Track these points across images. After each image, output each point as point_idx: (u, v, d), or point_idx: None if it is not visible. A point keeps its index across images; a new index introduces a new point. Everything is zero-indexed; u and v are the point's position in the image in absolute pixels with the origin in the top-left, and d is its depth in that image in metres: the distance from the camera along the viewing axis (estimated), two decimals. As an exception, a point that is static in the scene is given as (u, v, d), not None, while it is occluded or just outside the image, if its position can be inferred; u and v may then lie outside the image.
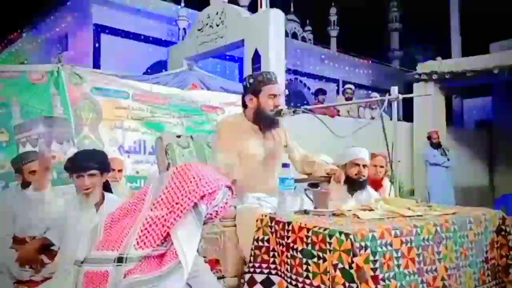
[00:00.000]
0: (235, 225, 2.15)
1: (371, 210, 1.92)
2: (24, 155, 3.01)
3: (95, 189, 2.31)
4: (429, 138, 7.03)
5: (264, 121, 2.39)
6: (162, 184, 1.84)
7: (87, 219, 2.24)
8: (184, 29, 9.95)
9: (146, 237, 1.75)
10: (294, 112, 2.46)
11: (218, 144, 2.38)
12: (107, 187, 2.48)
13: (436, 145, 6.99)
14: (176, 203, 1.76)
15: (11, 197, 2.91)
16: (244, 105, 2.45)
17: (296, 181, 2.33)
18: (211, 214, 1.83)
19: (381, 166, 3.40)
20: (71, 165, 2.33)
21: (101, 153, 2.50)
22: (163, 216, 1.76)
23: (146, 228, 1.76)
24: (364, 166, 3.01)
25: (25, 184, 2.87)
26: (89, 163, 2.30)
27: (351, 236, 1.46)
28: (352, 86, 8.15)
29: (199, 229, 1.79)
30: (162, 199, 1.80)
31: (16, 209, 2.81)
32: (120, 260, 1.73)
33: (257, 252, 1.82)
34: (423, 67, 7.92)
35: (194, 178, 1.79)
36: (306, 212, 2.00)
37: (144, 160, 4.80)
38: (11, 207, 2.82)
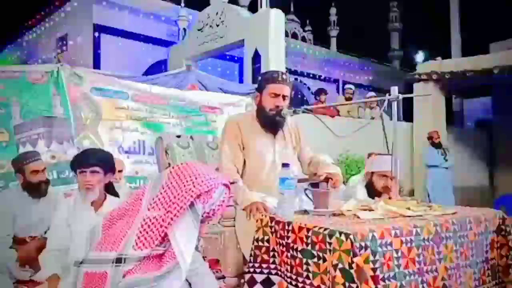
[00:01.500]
0: (235, 225, 2.14)
1: (371, 210, 1.92)
2: (24, 155, 3.00)
3: (96, 187, 2.29)
4: (429, 138, 7.02)
5: (264, 119, 2.35)
6: (159, 184, 1.83)
7: (86, 218, 2.22)
8: (184, 29, 9.97)
9: (145, 238, 1.75)
10: (294, 112, 2.44)
11: (222, 141, 2.36)
12: (111, 190, 2.46)
13: (437, 146, 6.99)
14: (173, 203, 1.75)
15: (11, 197, 2.91)
16: None
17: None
18: (208, 213, 1.81)
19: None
20: (76, 161, 2.32)
21: (107, 153, 2.48)
22: (160, 216, 1.75)
23: (144, 229, 1.76)
24: (392, 179, 2.60)
25: (26, 184, 2.87)
26: (92, 160, 2.28)
27: (351, 236, 1.46)
28: (352, 86, 8.14)
29: (196, 229, 1.78)
30: (159, 199, 1.79)
31: (16, 209, 2.81)
32: (118, 260, 1.73)
33: (257, 252, 1.81)
34: (423, 67, 7.92)
35: (190, 177, 1.78)
36: (306, 212, 1.99)
37: (143, 161, 4.79)
38: (11, 207, 2.82)
